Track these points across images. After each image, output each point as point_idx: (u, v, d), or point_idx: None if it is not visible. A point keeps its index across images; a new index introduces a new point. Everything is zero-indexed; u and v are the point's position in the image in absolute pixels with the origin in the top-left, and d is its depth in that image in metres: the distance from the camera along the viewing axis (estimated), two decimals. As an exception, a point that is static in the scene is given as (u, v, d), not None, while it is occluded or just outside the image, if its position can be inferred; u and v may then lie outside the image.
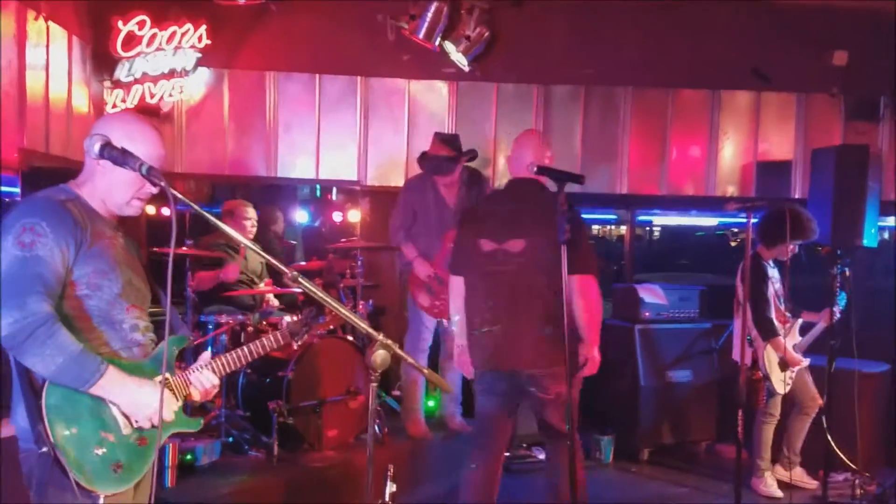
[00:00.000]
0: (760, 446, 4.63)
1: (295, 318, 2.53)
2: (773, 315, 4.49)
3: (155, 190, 2.06)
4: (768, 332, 4.44)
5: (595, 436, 5.21)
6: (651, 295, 5.45)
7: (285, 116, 5.80)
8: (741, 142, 6.25)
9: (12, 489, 2.52)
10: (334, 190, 8.63)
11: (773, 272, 4.61)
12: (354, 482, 3.90)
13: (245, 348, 2.32)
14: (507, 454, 5.00)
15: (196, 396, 2.18)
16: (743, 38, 5.90)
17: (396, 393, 5.12)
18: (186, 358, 3.53)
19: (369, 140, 5.86)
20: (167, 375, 2.09)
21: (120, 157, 1.93)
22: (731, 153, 6.25)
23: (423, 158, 4.67)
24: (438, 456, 4.57)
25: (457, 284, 3.43)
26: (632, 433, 5.24)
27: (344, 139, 5.84)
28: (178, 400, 2.12)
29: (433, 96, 5.92)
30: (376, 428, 4.39)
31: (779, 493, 4.57)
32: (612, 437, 5.21)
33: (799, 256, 4.69)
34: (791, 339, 4.54)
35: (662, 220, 13.50)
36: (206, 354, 2.25)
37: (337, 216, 7.76)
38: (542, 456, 5.07)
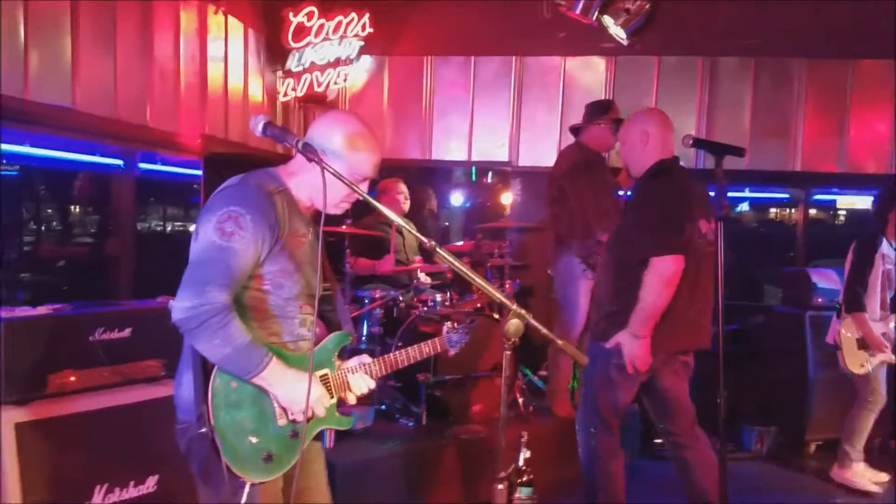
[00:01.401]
0: (851, 433, 4.39)
1: (455, 326, 2.56)
2: (878, 295, 4.30)
3: (361, 196, 2.06)
4: (851, 305, 4.29)
5: (757, 427, 4.93)
6: (824, 279, 5.05)
7: (440, 100, 5.94)
8: (930, 115, 5.59)
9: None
10: (489, 173, 8.72)
11: (893, 252, 4.36)
12: (491, 454, 3.96)
13: (403, 353, 2.36)
14: (659, 441, 4.91)
15: (352, 400, 2.24)
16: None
17: (543, 373, 5.11)
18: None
19: (522, 120, 5.86)
20: (326, 371, 2.15)
21: (280, 134, 1.99)
22: (919, 127, 5.62)
23: (607, 118, 4.58)
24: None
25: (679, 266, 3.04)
26: (797, 426, 4.95)
27: (496, 121, 5.88)
28: (333, 397, 2.15)
29: (589, 73, 5.81)
30: (520, 403, 4.45)
31: (869, 487, 4.33)
32: (775, 428, 4.91)
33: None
34: (881, 327, 4.31)
35: (847, 202, 12.34)
36: (365, 357, 2.28)
37: (490, 198, 7.84)
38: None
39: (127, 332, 2.93)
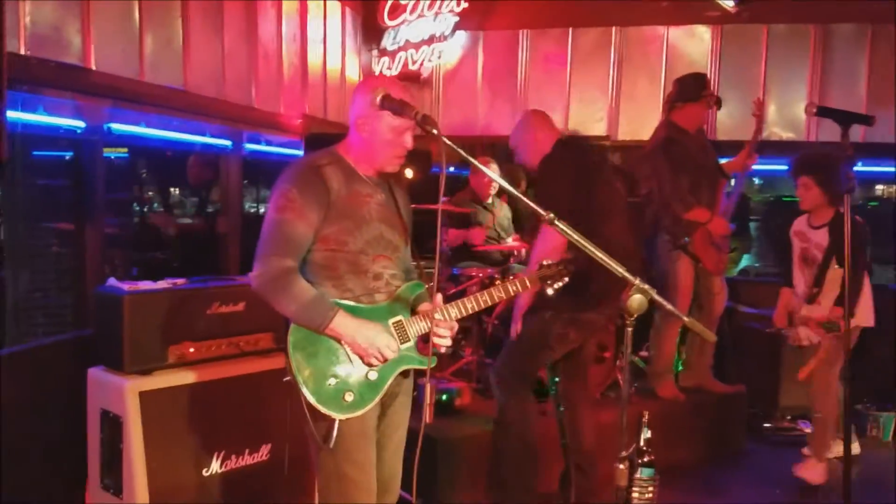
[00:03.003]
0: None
1: (549, 263, 2.45)
2: (801, 275, 4.06)
3: (409, 146, 2.23)
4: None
5: (873, 412, 4.72)
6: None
7: (536, 74, 5.84)
8: None
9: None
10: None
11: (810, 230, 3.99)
12: (601, 434, 3.89)
13: (485, 293, 2.32)
14: (768, 425, 4.74)
15: (444, 343, 2.26)
16: None
17: (644, 354, 4.98)
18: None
19: (622, 93, 5.70)
20: (400, 318, 2.26)
21: (398, 107, 2.09)
22: None
23: (708, 93, 4.38)
24: (689, 419, 4.38)
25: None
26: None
27: (595, 93, 5.74)
28: (409, 341, 2.26)
29: (693, 42, 5.59)
30: (621, 384, 4.34)
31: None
32: (893, 413, 4.65)
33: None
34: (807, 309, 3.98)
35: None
36: (439, 297, 2.27)
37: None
38: (808, 429, 4.69)
39: (241, 306, 3.01)
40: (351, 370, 2.18)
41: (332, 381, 2.15)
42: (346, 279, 2.21)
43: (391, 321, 2.24)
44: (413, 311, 2.31)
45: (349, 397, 2.15)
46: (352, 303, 2.20)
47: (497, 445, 3.43)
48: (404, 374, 2.30)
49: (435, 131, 1.96)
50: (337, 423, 2.13)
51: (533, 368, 3.42)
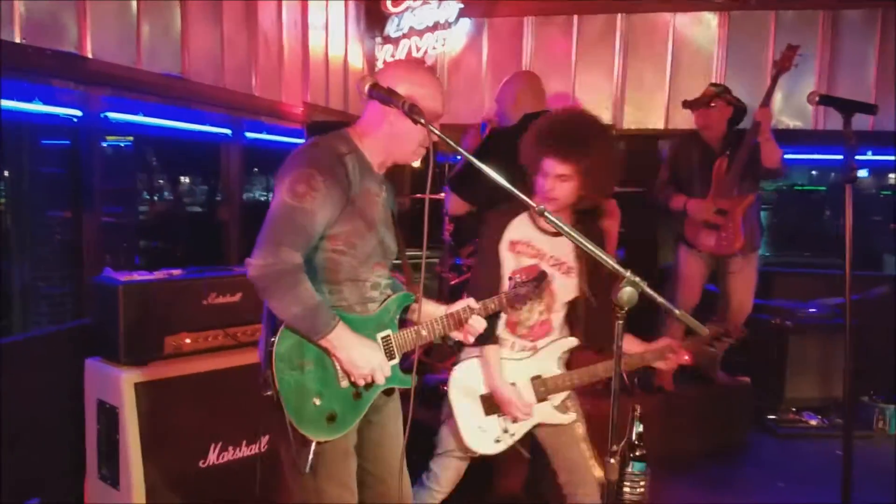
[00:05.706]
0: None
1: (523, 279, 2.36)
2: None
3: (435, 137, 1.99)
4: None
5: (880, 404, 4.69)
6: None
7: (541, 62, 5.78)
8: None
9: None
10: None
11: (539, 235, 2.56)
12: (602, 427, 3.86)
13: (467, 310, 2.21)
14: (773, 417, 4.70)
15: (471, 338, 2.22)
16: None
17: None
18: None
19: (627, 81, 5.63)
20: (388, 332, 2.12)
21: (385, 96, 1.93)
22: None
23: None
24: (694, 412, 4.35)
25: None
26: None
27: (600, 82, 5.68)
28: (395, 357, 2.13)
29: (700, 29, 5.51)
30: (624, 377, 4.32)
31: None
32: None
33: None
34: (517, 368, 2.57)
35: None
36: (431, 307, 2.21)
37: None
38: (813, 421, 4.68)
39: (237, 296, 3.00)
40: (337, 388, 2.03)
41: (317, 400, 1.99)
42: (344, 286, 2.06)
43: (379, 336, 2.10)
44: (401, 323, 2.18)
45: (331, 419, 2.00)
46: (345, 312, 2.05)
47: None
48: (387, 392, 2.17)
49: (423, 121, 1.90)
50: (314, 444, 1.99)
51: None
